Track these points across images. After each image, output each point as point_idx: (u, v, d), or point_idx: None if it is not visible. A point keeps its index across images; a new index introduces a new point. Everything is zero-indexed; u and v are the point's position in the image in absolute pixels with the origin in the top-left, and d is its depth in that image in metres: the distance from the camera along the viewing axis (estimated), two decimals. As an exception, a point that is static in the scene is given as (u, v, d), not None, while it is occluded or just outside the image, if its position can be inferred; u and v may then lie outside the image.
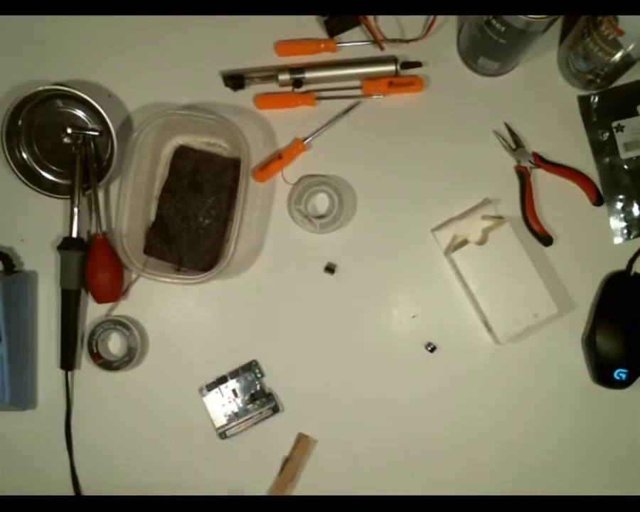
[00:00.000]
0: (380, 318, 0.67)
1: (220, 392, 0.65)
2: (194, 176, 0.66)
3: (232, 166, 0.66)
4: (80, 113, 0.66)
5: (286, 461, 0.65)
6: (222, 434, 0.65)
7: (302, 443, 0.65)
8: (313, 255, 0.67)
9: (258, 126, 0.67)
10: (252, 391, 0.65)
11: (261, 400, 0.65)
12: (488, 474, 0.65)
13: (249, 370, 0.65)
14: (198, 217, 0.66)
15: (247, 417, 0.65)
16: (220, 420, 0.65)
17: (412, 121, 0.67)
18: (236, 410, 0.65)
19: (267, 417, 0.65)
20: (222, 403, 0.65)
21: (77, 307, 0.66)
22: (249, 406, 0.65)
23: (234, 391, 0.65)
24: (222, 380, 0.65)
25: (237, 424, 0.65)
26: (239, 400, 0.65)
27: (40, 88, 0.64)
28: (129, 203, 0.63)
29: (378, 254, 0.67)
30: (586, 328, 0.66)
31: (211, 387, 0.65)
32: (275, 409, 0.65)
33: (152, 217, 0.67)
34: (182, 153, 0.67)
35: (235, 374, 0.65)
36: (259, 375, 0.65)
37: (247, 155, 0.63)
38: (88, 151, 0.65)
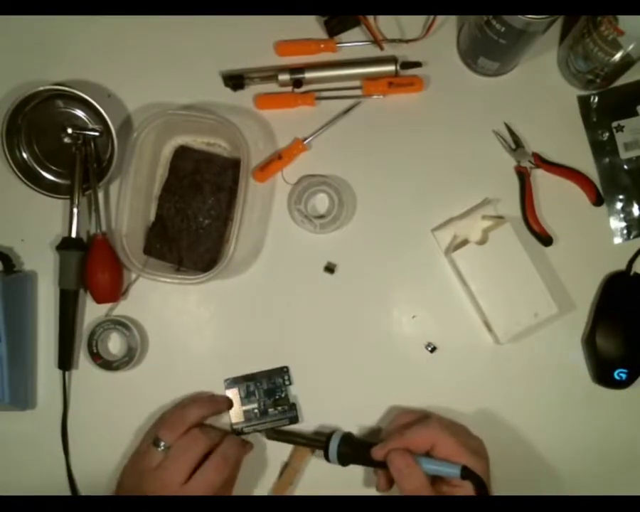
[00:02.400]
0: (380, 318, 0.66)
1: (246, 389, 0.65)
2: (194, 176, 0.66)
3: (232, 166, 0.66)
4: (80, 113, 0.66)
5: (285, 466, 0.65)
6: (237, 432, 0.65)
7: (300, 452, 0.64)
8: (313, 255, 0.66)
9: (258, 126, 0.67)
10: (277, 396, 0.65)
11: (283, 407, 0.65)
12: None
13: (279, 374, 0.65)
14: (197, 218, 0.66)
15: (264, 421, 0.65)
16: (238, 417, 0.65)
17: (411, 122, 0.67)
18: (256, 411, 0.65)
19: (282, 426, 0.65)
20: (244, 401, 0.65)
21: (75, 307, 0.65)
22: (270, 410, 0.65)
23: (260, 391, 0.65)
24: (249, 378, 0.65)
25: (252, 425, 0.65)
26: (262, 402, 0.65)
27: (41, 88, 0.64)
28: (128, 203, 0.63)
29: (378, 255, 0.67)
30: (586, 329, 0.66)
31: (238, 381, 0.65)
32: (293, 420, 0.65)
33: (152, 217, 0.67)
34: (182, 153, 0.67)
35: (263, 375, 0.65)
36: (287, 383, 0.65)
37: (246, 155, 0.63)
38: (88, 151, 0.65)
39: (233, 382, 0.65)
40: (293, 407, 0.65)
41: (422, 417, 0.62)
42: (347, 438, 0.60)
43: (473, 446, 0.59)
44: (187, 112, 0.65)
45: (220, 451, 0.60)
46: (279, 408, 0.65)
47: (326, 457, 0.60)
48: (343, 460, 0.60)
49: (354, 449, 0.60)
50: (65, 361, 0.65)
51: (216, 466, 0.59)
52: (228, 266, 0.62)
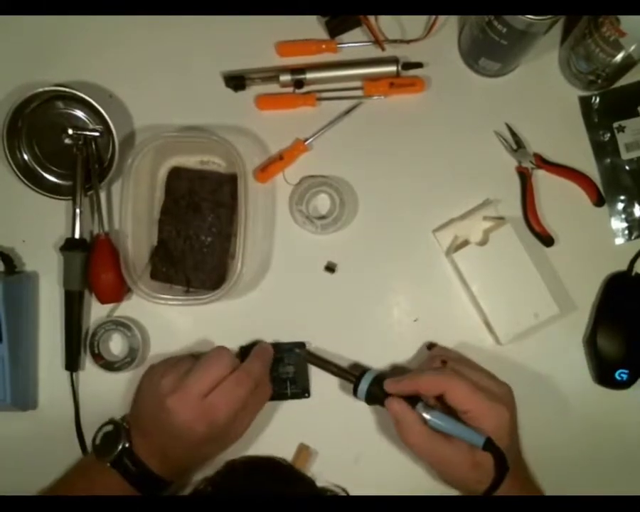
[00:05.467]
0: (381, 318, 0.67)
1: None
2: (190, 195, 0.66)
3: (229, 181, 0.65)
4: (80, 114, 0.66)
5: None
6: None
7: (303, 454, 0.64)
8: (315, 256, 0.66)
9: (259, 126, 0.67)
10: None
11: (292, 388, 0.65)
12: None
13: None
14: (199, 237, 0.66)
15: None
16: None
17: (413, 122, 0.67)
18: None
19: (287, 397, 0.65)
20: None
21: (80, 308, 0.65)
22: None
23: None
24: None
25: None
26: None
27: (41, 90, 0.64)
28: (131, 231, 0.63)
29: (379, 255, 0.67)
30: (587, 329, 0.66)
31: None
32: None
33: (155, 242, 0.67)
34: (175, 174, 0.66)
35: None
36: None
37: (243, 171, 0.62)
38: (89, 152, 0.65)
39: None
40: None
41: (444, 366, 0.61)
42: (379, 379, 0.60)
43: (496, 393, 0.58)
44: (179, 134, 0.65)
45: (243, 366, 0.60)
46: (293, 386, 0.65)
47: (355, 393, 0.60)
48: (370, 399, 0.60)
49: (383, 392, 0.59)
50: (73, 362, 0.65)
51: (237, 379, 0.58)
52: (237, 282, 0.62)
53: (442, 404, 0.59)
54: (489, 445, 0.55)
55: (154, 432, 0.59)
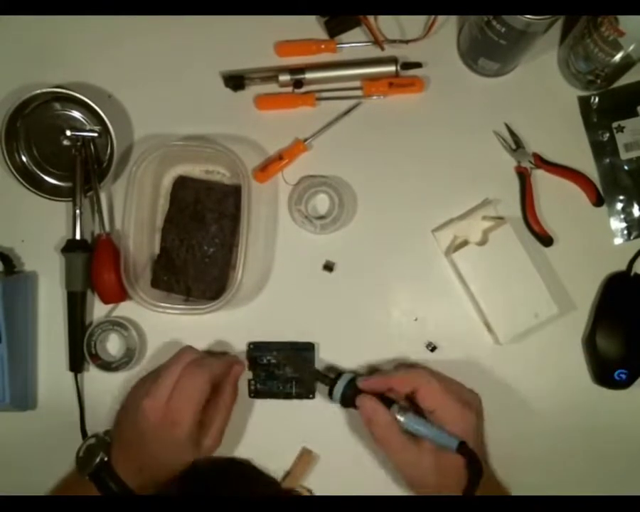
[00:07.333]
0: (381, 318, 0.66)
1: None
2: (195, 205, 0.66)
3: (234, 193, 0.65)
4: (77, 115, 0.66)
5: (286, 475, 0.65)
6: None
7: (305, 458, 0.64)
8: (314, 256, 0.66)
9: (258, 126, 0.67)
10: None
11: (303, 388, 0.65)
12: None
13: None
14: (202, 247, 0.66)
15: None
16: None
17: (412, 122, 0.67)
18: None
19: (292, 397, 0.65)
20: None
21: (83, 309, 0.65)
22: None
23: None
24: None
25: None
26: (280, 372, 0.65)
27: (38, 91, 0.63)
28: (132, 239, 0.63)
29: (379, 255, 0.67)
30: (586, 329, 0.66)
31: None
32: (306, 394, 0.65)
33: (157, 249, 0.67)
34: (181, 183, 0.66)
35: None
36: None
37: (247, 183, 0.62)
38: (88, 153, 0.65)
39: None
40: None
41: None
42: (354, 381, 0.60)
43: (465, 398, 0.58)
44: (185, 143, 0.65)
45: (194, 359, 0.60)
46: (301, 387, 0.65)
47: (330, 395, 0.61)
48: (346, 402, 0.60)
49: (358, 394, 0.60)
50: (77, 363, 0.65)
51: (190, 372, 0.58)
52: (237, 292, 0.62)
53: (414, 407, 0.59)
54: (463, 448, 0.55)
55: (132, 443, 0.59)
